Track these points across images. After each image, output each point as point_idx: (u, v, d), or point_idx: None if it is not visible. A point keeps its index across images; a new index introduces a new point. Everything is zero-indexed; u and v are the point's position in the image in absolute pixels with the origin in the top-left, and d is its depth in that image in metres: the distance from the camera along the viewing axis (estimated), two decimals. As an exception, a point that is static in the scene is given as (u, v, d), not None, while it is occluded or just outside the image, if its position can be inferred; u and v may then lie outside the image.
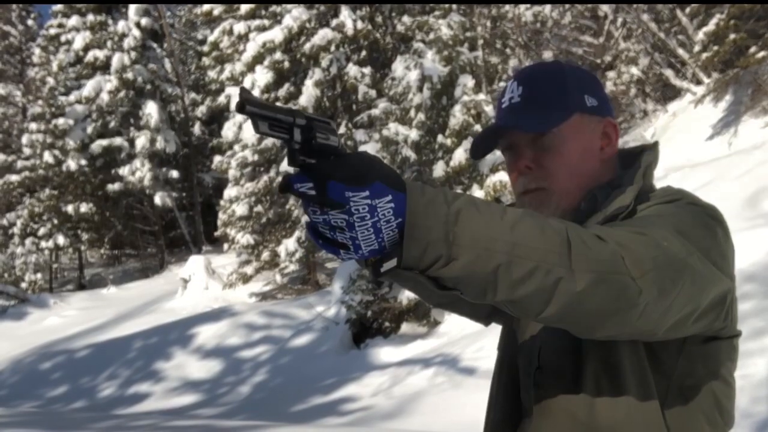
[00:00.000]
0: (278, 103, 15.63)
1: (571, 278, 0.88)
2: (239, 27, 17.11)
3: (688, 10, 12.65)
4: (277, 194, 15.30)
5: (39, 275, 23.18)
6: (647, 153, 1.25)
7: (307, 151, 0.83)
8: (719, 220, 1.12)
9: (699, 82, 12.72)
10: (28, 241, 23.20)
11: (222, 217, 17.43)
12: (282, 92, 15.94)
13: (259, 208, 16.53)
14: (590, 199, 1.19)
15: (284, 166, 13.86)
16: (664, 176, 9.80)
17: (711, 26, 11.19)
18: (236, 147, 17.07)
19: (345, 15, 14.91)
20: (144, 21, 22.47)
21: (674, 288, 0.95)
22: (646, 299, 0.92)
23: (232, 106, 16.70)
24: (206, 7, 19.31)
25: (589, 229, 0.97)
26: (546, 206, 1.20)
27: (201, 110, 25.93)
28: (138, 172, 21.79)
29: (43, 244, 23.20)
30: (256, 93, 15.79)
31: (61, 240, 23.10)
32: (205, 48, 20.62)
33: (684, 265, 0.98)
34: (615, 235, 0.95)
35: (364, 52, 15.29)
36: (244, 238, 16.61)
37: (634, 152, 1.28)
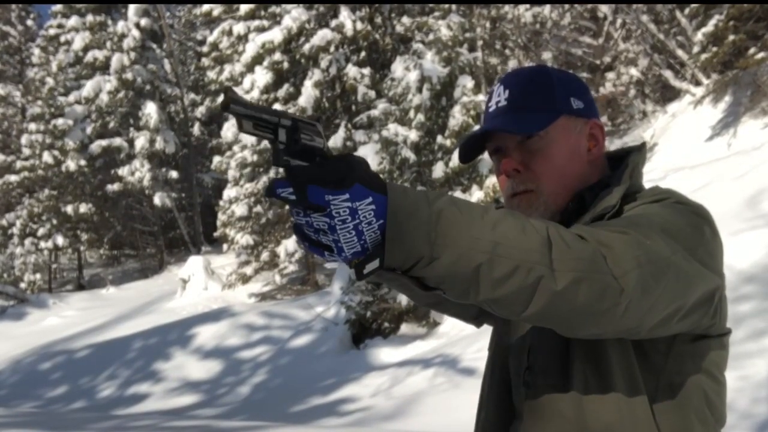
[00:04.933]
0: (277, 104, 15.66)
1: (551, 277, 0.88)
2: (239, 28, 17.13)
3: (687, 11, 12.66)
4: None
5: (38, 275, 23.20)
6: (634, 154, 1.26)
7: (291, 151, 0.84)
8: (706, 219, 1.12)
9: (698, 83, 12.73)
10: (28, 241, 23.21)
11: (221, 217, 17.45)
12: (281, 93, 15.95)
13: (258, 208, 16.54)
14: (578, 200, 1.20)
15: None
16: (663, 177, 9.81)
17: (710, 27, 11.19)
18: (235, 147, 17.09)
19: (344, 16, 14.92)
20: (143, 21, 22.47)
21: (657, 286, 0.96)
22: (628, 298, 0.92)
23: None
24: (206, 7, 19.32)
25: (571, 228, 0.97)
26: (534, 208, 1.21)
27: (200, 111, 25.95)
28: (137, 172, 21.80)
29: (43, 244, 23.21)
30: (255, 93, 15.89)
31: (60, 240, 23.11)
32: (205, 48, 20.64)
33: (667, 264, 0.98)
34: (597, 234, 0.96)
35: (363, 53, 15.29)
36: (244, 239, 16.63)
37: (621, 153, 1.30)
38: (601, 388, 1.10)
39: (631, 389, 1.09)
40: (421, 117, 11.54)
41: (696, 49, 11.89)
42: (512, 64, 15.55)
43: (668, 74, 13.27)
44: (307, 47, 14.93)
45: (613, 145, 12.00)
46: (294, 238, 15.81)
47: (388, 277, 0.91)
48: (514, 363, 1.23)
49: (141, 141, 21.65)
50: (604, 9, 14.22)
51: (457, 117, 11.20)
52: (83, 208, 22.82)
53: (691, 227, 1.08)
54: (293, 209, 0.86)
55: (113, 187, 22.14)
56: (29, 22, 31.77)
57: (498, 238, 0.87)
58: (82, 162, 22.36)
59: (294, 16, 15.35)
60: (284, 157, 0.84)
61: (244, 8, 17.06)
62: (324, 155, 0.85)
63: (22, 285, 22.17)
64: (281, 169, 0.86)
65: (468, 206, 0.89)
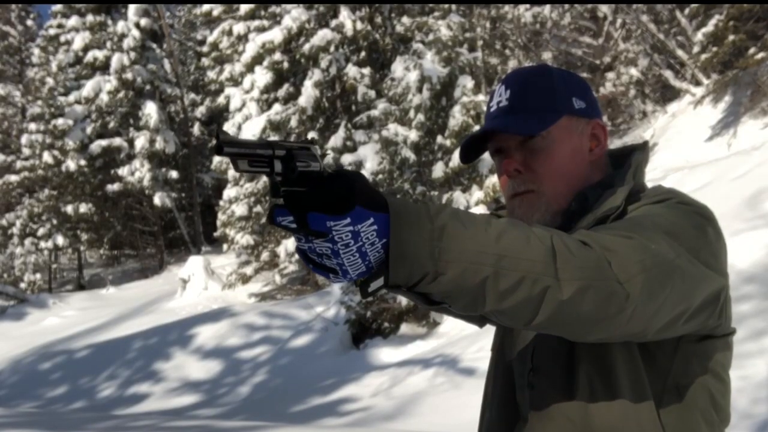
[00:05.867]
0: (277, 104, 15.66)
1: (557, 287, 0.88)
2: (239, 27, 17.12)
3: (687, 11, 12.67)
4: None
5: (38, 275, 23.18)
6: (637, 153, 1.26)
7: (288, 181, 0.82)
8: (710, 219, 1.12)
9: (698, 83, 12.73)
10: (28, 241, 23.20)
11: (221, 217, 17.43)
12: (281, 93, 15.95)
13: (258, 208, 16.53)
14: (580, 200, 1.20)
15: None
16: (663, 177, 9.81)
17: (710, 27, 11.19)
18: (236, 147, 17.05)
19: (344, 15, 14.91)
20: (143, 21, 22.46)
21: (663, 290, 0.96)
22: (634, 303, 0.92)
23: (232, 106, 16.73)
24: (206, 7, 19.32)
25: (575, 234, 0.97)
26: (536, 209, 1.20)
27: (200, 111, 25.94)
28: (137, 172, 21.79)
29: (43, 244, 23.20)
30: (255, 93, 15.85)
31: (60, 240, 23.11)
32: (205, 48, 20.65)
33: (672, 267, 0.98)
34: (601, 239, 0.96)
35: (363, 53, 15.29)
36: (244, 239, 16.62)
37: (624, 152, 1.29)
38: (606, 389, 1.10)
39: (636, 391, 1.09)
40: (421, 117, 11.54)
41: (696, 49, 11.90)
42: (512, 64, 15.56)
43: (668, 74, 13.27)
44: (307, 47, 14.92)
45: (612, 145, 11.99)
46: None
47: (394, 291, 0.91)
48: (518, 364, 1.23)
49: (141, 141, 21.63)
50: (604, 9, 14.23)
51: (457, 117, 11.20)
52: (83, 208, 22.80)
53: (694, 228, 1.08)
54: (295, 235, 0.85)
55: (113, 187, 22.13)
56: (29, 22, 31.77)
57: (502, 250, 0.87)
58: (82, 162, 22.34)
59: (294, 16, 15.34)
60: (282, 188, 0.82)
61: (244, 8, 17.06)
62: (322, 179, 0.83)
63: (22, 285, 22.15)
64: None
65: (471, 219, 0.88)
